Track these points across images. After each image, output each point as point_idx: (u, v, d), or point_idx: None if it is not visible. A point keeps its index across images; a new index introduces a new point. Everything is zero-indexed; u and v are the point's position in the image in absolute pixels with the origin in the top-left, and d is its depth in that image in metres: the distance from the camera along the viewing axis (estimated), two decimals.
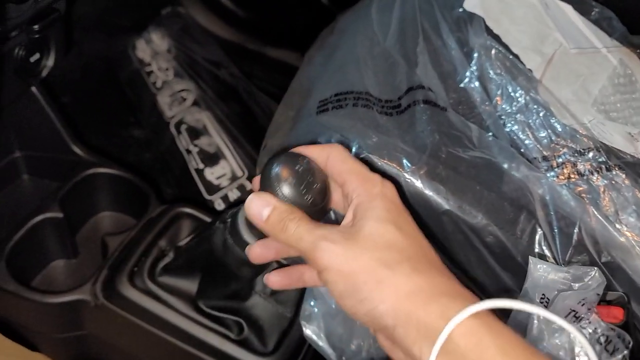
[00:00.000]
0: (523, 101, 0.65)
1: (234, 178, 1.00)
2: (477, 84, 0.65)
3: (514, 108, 0.65)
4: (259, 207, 0.40)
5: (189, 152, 1.04)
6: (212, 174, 1.01)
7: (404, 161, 0.55)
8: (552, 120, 0.64)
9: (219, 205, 0.97)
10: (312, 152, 0.44)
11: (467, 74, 0.66)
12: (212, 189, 0.99)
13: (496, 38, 0.69)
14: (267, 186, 0.41)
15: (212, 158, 1.02)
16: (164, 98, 1.11)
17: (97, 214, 0.73)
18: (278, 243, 0.44)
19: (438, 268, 0.39)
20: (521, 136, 0.63)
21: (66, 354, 0.67)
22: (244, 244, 0.47)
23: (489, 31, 0.69)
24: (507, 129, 0.63)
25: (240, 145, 1.03)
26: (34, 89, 0.65)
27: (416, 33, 0.68)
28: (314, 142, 0.58)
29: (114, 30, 1.23)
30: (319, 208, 0.42)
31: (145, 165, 1.11)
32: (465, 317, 0.34)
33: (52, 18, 0.50)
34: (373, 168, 0.48)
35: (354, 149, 0.55)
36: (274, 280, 0.47)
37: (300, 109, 0.66)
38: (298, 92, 0.72)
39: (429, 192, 0.54)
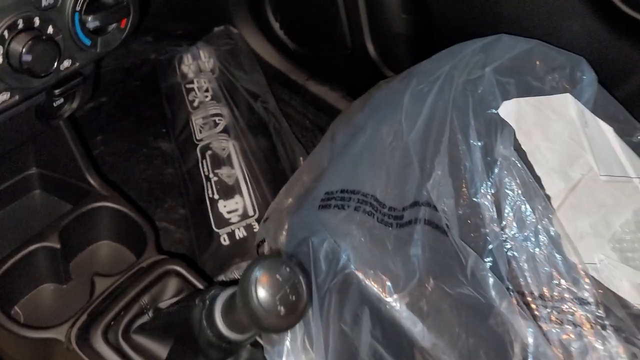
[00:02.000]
0: (533, 229, 0.63)
1: (244, 216, 1.00)
2: (490, 200, 0.63)
3: (522, 234, 0.63)
4: None
5: (208, 179, 1.05)
6: (224, 206, 1.01)
7: (388, 285, 0.54)
8: (558, 257, 0.62)
9: (224, 241, 0.98)
10: None
11: (483, 187, 0.64)
12: (222, 222, 1.00)
13: (522, 153, 0.67)
14: (245, 284, 0.41)
15: (228, 191, 1.03)
16: (197, 119, 1.13)
17: (96, 242, 0.74)
18: None
19: None
20: (523, 265, 0.61)
21: None
22: (216, 330, 0.47)
23: (517, 144, 0.67)
24: (510, 254, 0.61)
25: (258, 184, 1.03)
26: None
27: (442, 130, 0.67)
28: (306, 239, 0.58)
29: (164, 38, 1.26)
30: (287, 318, 0.43)
31: (164, 179, 1.13)
32: None
33: (74, 83, 0.51)
34: (354, 284, 0.47)
35: (341, 262, 0.55)
36: None
37: (308, 191, 0.66)
38: (314, 165, 0.71)
39: (406, 324, 0.53)
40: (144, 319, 0.61)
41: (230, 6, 1.23)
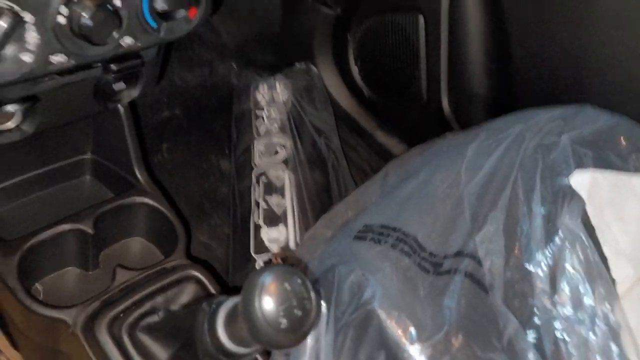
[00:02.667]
0: (590, 312, 0.56)
1: (285, 247, 0.98)
2: (545, 271, 0.57)
3: (577, 315, 0.56)
4: None
5: (257, 204, 1.04)
6: (266, 234, 1.00)
7: (411, 332, 0.49)
8: (614, 349, 0.55)
9: (259, 266, 0.96)
10: None
11: (539, 255, 0.58)
12: (261, 248, 0.98)
13: (590, 229, 0.60)
14: (250, 287, 0.38)
15: (274, 219, 1.01)
16: (259, 145, 1.13)
17: (129, 237, 0.74)
18: None
19: None
20: (571, 350, 0.54)
21: None
22: (215, 338, 0.44)
23: (585, 218, 0.61)
24: (559, 335, 0.55)
25: (305, 218, 1.01)
26: (120, 107, 0.68)
27: (504, 187, 0.62)
28: (333, 267, 0.54)
29: (248, 66, 1.30)
30: (288, 334, 0.39)
31: (217, 196, 1.13)
32: None
33: (132, 64, 0.51)
34: (374, 323, 0.43)
35: (364, 296, 0.50)
36: None
37: (347, 222, 0.63)
38: (360, 200, 0.68)
39: None
40: (154, 319, 0.59)
41: (315, 46, 1.26)
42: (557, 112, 0.70)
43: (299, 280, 0.39)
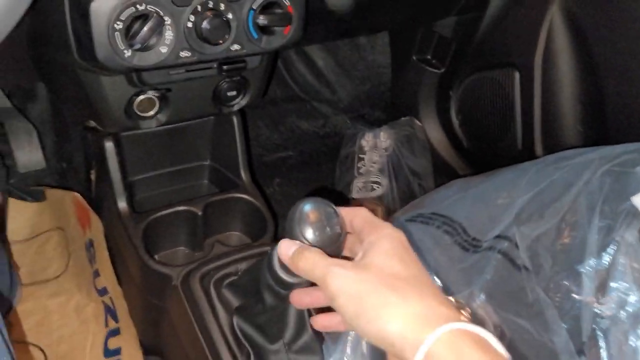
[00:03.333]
0: (634, 315, 0.58)
1: None
2: (594, 274, 0.61)
3: (621, 318, 0.58)
4: (287, 247, 0.49)
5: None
6: None
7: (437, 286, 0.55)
8: None
9: None
10: (342, 211, 0.50)
11: (591, 260, 0.62)
12: None
13: None
14: (296, 223, 0.49)
15: None
16: (359, 182, 1.25)
17: (230, 231, 0.88)
18: (312, 294, 0.51)
19: (437, 297, 0.42)
20: (610, 347, 0.56)
21: (147, 321, 0.82)
22: (272, 270, 0.54)
23: None
24: (599, 333, 0.57)
25: None
26: (234, 118, 0.84)
27: (562, 199, 0.66)
28: None
29: (358, 119, 1.44)
30: (331, 250, 0.48)
31: None
32: (445, 331, 0.39)
33: (238, 66, 0.67)
34: None
35: None
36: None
37: (404, 212, 0.71)
38: (422, 200, 0.76)
39: None
40: (235, 278, 0.70)
41: (420, 101, 1.37)
42: (632, 146, 0.73)
43: (330, 209, 0.49)
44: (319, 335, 0.67)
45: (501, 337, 0.52)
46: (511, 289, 0.56)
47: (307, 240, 0.48)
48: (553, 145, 1.07)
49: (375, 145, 1.33)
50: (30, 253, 0.96)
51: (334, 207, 0.50)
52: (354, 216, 0.49)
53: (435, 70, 1.29)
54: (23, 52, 0.73)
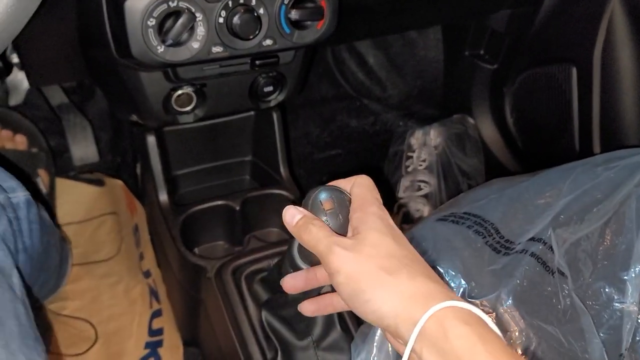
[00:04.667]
0: None
1: None
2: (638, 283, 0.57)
3: None
4: (292, 215, 0.50)
5: None
6: None
7: (464, 289, 0.53)
8: None
9: None
10: (341, 183, 0.51)
11: (638, 268, 0.58)
12: None
13: None
14: (310, 211, 0.49)
15: None
16: (405, 181, 1.23)
17: (269, 227, 0.88)
18: (306, 276, 0.53)
19: (430, 275, 0.44)
20: None
21: (185, 312, 0.84)
22: (291, 259, 0.54)
23: None
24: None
25: None
26: (274, 114, 0.85)
27: (606, 203, 0.63)
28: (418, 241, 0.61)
29: (410, 116, 1.42)
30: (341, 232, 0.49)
31: None
32: (437, 309, 0.40)
33: (270, 62, 0.67)
34: None
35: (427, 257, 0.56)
36: (307, 307, 0.55)
37: (438, 211, 0.69)
38: (461, 198, 0.74)
39: None
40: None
41: (473, 98, 1.34)
42: None
43: (342, 195, 0.49)
44: (347, 333, 0.66)
45: (527, 343, 0.49)
46: (542, 294, 0.53)
47: None
48: (613, 147, 1.01)
49: (425, 143, 1.30)
50: (86, 235, 1.01)
51: (347, 192, 0.49)
52: (353, 185, 0.50)
53: (489, 66, 1.25)
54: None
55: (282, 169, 0.88)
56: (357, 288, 0.43)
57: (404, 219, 1.13)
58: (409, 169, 1.25)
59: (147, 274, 0.95)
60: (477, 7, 1.08)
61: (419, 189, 1.20)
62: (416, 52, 1.36)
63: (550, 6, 1.07)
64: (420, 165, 1.25)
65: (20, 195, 0.65)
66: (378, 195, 0.49)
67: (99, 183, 1.04)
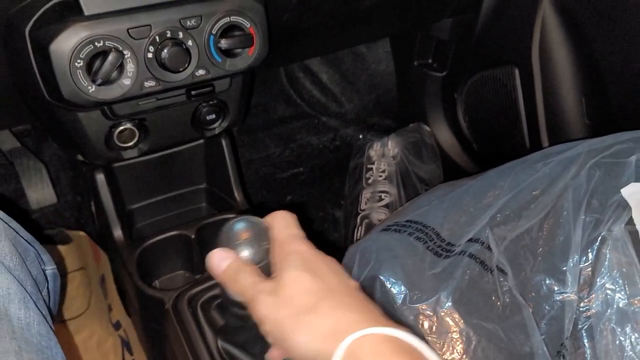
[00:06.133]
0: (623, 311, 0.56)
1: None
2: (579, 271, 0.59)
3: (608, 313, 0.56)
4: (219, 260, 0.49)
5: None
6: None
7: (405, 295, 0.54)
8: None
9: None
10: (265, 220, 0.51)
11: (576, 258, 0.60)
12: None
13: (635, 236, 0.60)
14: (227, 243, 0.49)
15: None
16: (367, 193, 1.24)
17: None
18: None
19: (350, 304, 0.43)
20: (600, 344, 0.54)
21: (152, 346, 0.84)
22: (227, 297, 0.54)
23: (630, 224, 0.61)
24: (585, 332, 0.55)
25: None
26: (222, 140, 0.86)
27: (544, 197, 0.65)
28: (356, 253, 0.62)
29: (369, 129, 1.44)
30: (264, 264, 0.49)
31: (327, 241, 1.25)
32: (349, 342, 0.39)
33: (206, 91, 0.68)
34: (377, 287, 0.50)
35: (369, 266, 0.58)
36: (274, 355, 0.52)
37: (384, 221, 0.70)
38: (407, 206, 0.75)
39: None
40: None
41: (427, 106, 1.36)
42: (624, 135, 0.71)
43: (259, 225, 0.50)
44: None
45: (467, 343, 0.50)
46: (481, 292, 0.54)
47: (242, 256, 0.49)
48: (561, 141, 1.04)
49: (383, 154, 1.32)
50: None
51: (263, 222, 0.50)
52: (272, 225, 0.50)
53: (438, 74, 1.28)
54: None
55: (236, 194, 0.89)
56: (282, 334, 0.43)
57: (367, 230, 1.15)
58: (370, 181, 1.26)
59: (117, 326, 0.94)
60: (419, 18, 1.11)
61: (380, 199, 1.21)
62: (367, 66, 1.39)
63: (488, 11, 1.10)
64: (380, 176, 1.26)
65: (50, 268, 0.64)
66: (297, 230, 0.49)
67: (65, 240, 1.03)
